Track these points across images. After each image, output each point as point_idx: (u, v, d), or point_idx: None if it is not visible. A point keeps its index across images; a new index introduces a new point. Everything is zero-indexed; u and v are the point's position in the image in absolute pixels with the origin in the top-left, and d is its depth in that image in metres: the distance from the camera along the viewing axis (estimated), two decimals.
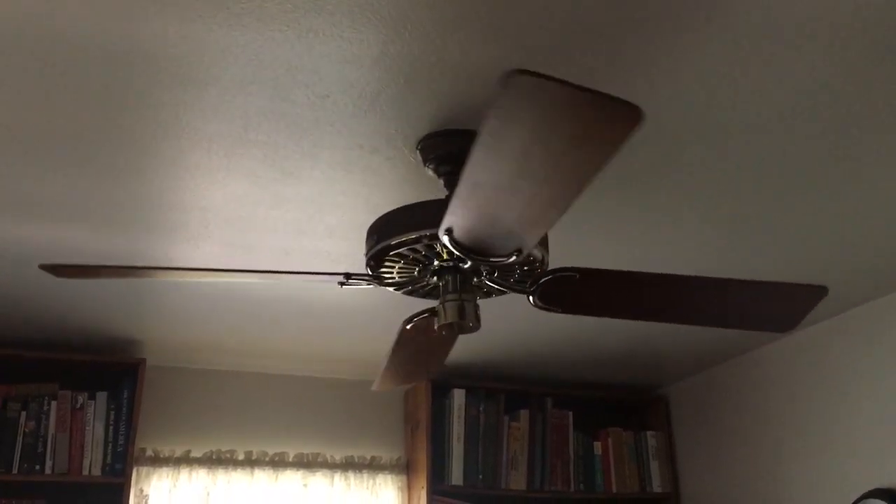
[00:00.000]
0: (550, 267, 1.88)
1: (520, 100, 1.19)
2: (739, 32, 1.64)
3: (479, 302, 1.91)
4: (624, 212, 2.38)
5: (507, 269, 1.86)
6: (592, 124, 1.24)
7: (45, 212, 2.31)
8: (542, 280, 1.86)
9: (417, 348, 2.27)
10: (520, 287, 1.90)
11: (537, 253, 1.81)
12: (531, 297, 1.92)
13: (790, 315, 2.10)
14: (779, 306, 2.08)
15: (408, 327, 2.08)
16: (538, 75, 1.14)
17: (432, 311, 1.98)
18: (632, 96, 1.82)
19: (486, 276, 1.89)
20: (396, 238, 1.77)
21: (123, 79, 1.74)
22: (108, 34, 1.60)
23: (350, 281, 1.91)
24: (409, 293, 1.98)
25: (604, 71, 1.74)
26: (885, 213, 2.44)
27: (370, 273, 1.89)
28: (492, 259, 1.70)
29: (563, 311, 2.00)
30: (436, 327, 1.88)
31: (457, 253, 1.66)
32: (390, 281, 1.92)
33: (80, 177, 2.12)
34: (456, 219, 1.56)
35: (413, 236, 1.76)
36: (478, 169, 1.37)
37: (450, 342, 2.27)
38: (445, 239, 1.62)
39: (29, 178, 2.13)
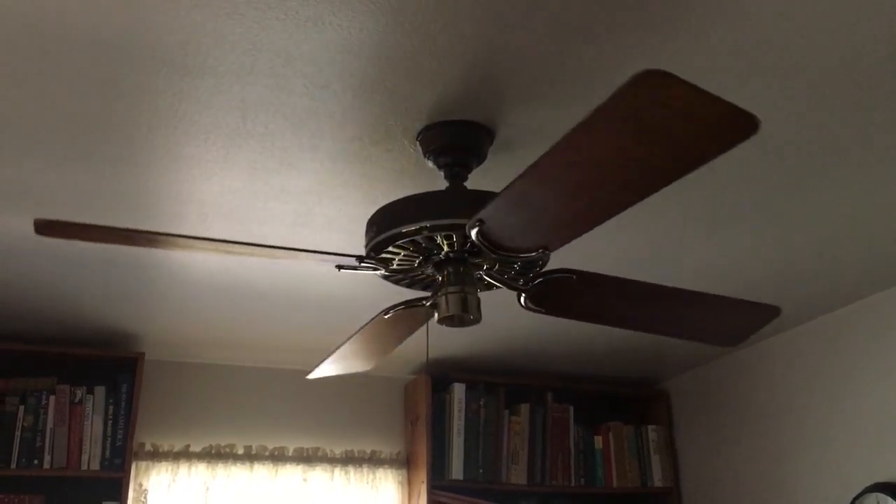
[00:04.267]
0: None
1: (639, 95, 1.19)
2: (741, 31, 1.63)
3: (479, 294, 1.90)
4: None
5: (507, 265, 1.85)
6: (703, 129, 1.25)
7: (41, 203, 2.29)
8: (538, 280, 1.86)
9: (374, 338, 2.24)
10: (514, 284, 1.89)
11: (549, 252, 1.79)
12: (522, 298, 1.92)
13: (738, 331, 2.17)
14: (731, 321, 2.13)
15: (386, 316, 2.04)
16: (666, 74, 1.14)
17: (413, 303, 1.95)
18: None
19: (485, 270, 1.87)
20: (397, 229, 1.76)
21: (119, 68, 1.72)
22: (103, 23, 1.58)
23: (361, 265, 1.85)
24: (409, 285, 1.96)
25: (604, 61, 1.72)
26: (886, 207, 2.42)
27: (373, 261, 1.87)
28: (513, 254, 1.68)
29: (546, 313, 2.00)
30: (437, 320, 1.86)
31: (479, 245, 1.65)
32: (393, 269, 1.90)
33: (75, 168, 2.11)
34: (495, 212, 1.55)
35: (414, 227, 1.74)
36: (554, 159, 1.36)
37: (407, 334, 2.22)
38: (474, 231, 1.60)
39: (25, 169, 2.11)
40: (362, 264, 1.85)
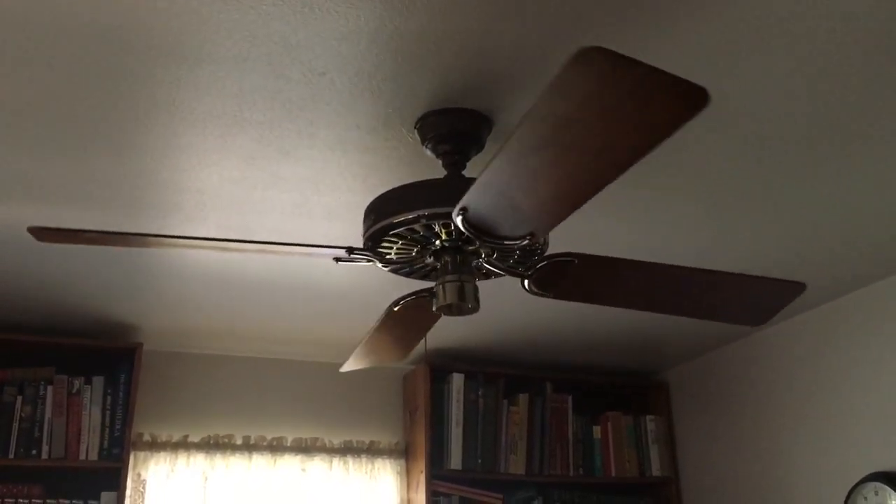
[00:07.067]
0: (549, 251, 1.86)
1: (583, 74, 1.16)
2: (745, 16, 1.62)
3: (478, 284, 1.89)
4: (620, 192, 2.35)
5: (506, 252, 1.83)
6: (654, 105, 1.20)
7: (38, 192, 2.28)
8: (540, 265, 1.84)
9: (397, 330, 2.24)
10: (516, 270, 1.88)
11: (543, 238, 1.78)
12: (525, 282, 1.90)
13: (766, 309, 2.12)
14: (756, 300, 2.08)
15: (395, 309, 2.05)
16: (607, 51, 1.11)
17: (420, 294, 1.95)
18: None
19: (483, 258, 1.86)
20: (395, 217, 1.75)
21: (115, 56, 1.70)
22: (100, 10, 1.57)
23: (352, 256, 1.86)
24: (407, 274, 1.95)
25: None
26: (885, 196, 2.41)
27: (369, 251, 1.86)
28: (503, 241, 1.66)
29: (554, 297, 1.98)
30: (434, 309, 1.86)
31: (466, 233, 1.63)
32: (389, 259, 1.89)
33: (72, 156, 2.09)
34: (476, 198, 1.53)
35: (412, 216, 1.73)
36: (518, 144, 1.33)
37: (430, 323, 2.23)
38: (458, 219, 1.59)
39: (22, 158, 2.10)
40: (353, 255, 1.84)
